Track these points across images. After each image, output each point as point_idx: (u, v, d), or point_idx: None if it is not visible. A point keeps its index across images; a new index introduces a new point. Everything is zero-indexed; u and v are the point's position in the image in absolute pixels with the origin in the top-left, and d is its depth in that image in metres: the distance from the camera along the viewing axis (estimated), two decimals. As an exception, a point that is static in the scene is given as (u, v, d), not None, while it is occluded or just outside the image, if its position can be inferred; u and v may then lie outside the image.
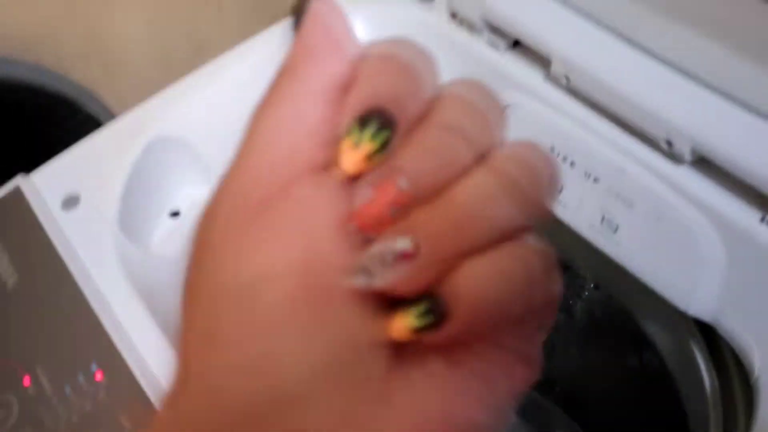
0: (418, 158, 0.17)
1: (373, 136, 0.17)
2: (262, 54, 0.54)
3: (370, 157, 0.17)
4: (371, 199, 0.17)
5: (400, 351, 0.18)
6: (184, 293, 0.18)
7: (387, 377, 0.18)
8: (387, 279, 0.16)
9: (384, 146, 0.17)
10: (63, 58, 0.65)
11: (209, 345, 0.17)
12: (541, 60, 0.46)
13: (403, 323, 0.17)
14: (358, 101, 0.18)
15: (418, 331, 0.17)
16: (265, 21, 0.57)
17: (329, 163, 0.18)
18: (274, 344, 0.16)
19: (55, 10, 0.62)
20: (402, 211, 0.17)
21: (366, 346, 0.17)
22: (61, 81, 0.63)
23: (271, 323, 0.16)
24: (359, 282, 0.17)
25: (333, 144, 0.18)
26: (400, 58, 0.19)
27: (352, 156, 0.17)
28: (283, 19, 0.56)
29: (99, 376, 0.37)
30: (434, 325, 0.17)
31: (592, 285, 0.62)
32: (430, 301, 0.17)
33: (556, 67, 0.43)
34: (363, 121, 0.17)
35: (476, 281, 0.17)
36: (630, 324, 0.59)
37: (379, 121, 0.17)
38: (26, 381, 0.37)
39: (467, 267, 0.17)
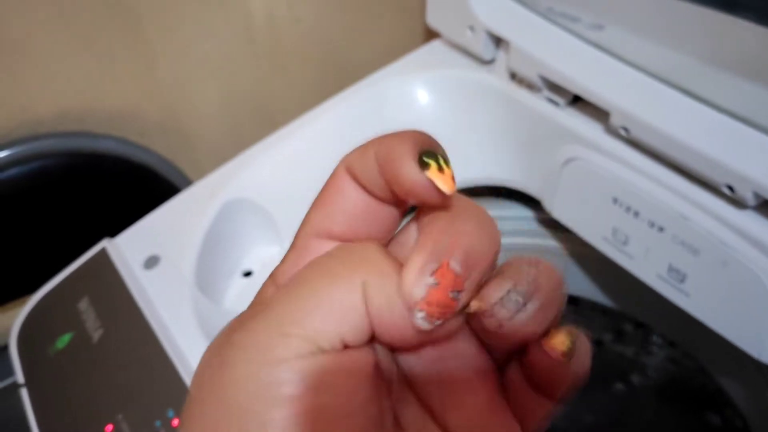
0: (458, 245, 0.18)
1: (444, 161, 0.18)
2: (324, 122, 0.57)
3: (454, 179, 0.19)
4: (434, 285, 0.18)
5: None
6: None
7: None
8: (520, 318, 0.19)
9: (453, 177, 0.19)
10: (145, 131, 0.69)
11: None
12: (599, 113, 0.46)
13: (561, 339, 0.19)
14: (408, 149, 0.18)
15: (569, 351, 0.19)
16: (329, 91, 0.60)
17: None
18: None
19: (138, 89, 0.67)
20: (460, 294, 0.18)
21: None
22: (144, 152, 0.67)
23: None
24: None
25: None
26: None
27: (444, 177, 0.18)
28: (344, 89, 0.59)
29: (176, 423, 0.39)
30: (572, 353, 0.19)
31: (662, 342, 0.61)
32: (570, 331, 0.19)
33: (615, 119, 0.44)
34: (426, 153, 0.18)
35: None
36: (706, 380, 0.57)
37: (436, 152, 0.19)
38: (108, 428, 0.39)
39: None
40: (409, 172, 0.18)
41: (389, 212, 0.21)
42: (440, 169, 0.18)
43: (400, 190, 0.19)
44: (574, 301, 0.64)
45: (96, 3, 0.60)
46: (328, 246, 0.21)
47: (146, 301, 0.46)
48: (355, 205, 0.20)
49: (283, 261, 0.22)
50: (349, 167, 0.20)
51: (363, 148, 0.20)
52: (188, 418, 0.19)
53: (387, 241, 0.22)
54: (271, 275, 0.22)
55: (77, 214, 0.66)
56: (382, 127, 0.58)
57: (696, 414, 0.59)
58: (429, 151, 0.18)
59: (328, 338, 0.18)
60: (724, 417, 0.56)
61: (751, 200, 0.38)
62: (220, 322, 0.45)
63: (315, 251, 0.21)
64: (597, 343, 0.65)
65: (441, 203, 0.19)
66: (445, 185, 0.18)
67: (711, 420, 0.57)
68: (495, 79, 0.54)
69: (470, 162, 0.55)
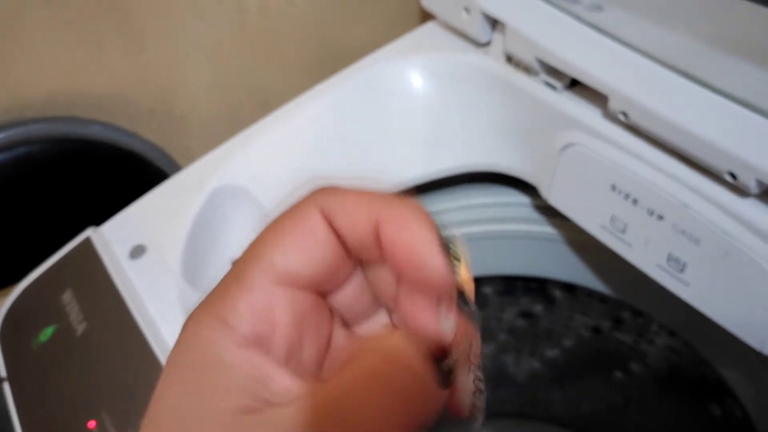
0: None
1: (459, 252, 0.19)
2: (316, 107, 0.55)
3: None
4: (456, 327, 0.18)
5: None
6: None
7: None
8: None
9: None
10: (134, 116, 0.68)
11: None
12: (598, 97, 0.45)
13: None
14: (432, 237, 0.18)
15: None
16: (323, 74, 0.59)
17: None
18: None
19: (127, 73, 0.66)
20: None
21: None
22: (133, 138, 0.66)
23: None
24: None
25: None
26: None
27: (468, 276, 0.19)
28: (338, 73, 0.58)
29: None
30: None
31: (662, 331, 0.60)
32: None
33: (614, 103, 0.43)
34: (446, 242, 0.19)
35: None
36: (706, 370, 0.56)
37: (453, 242, 0.19)
38: (91, 425, 0.38)
39: None
40: (436, 264, 0.17)
41: (350, 264, 0.20)
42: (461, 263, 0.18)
43: (411, 273, 0.18)
44: (571, 288, 0.63)
45: (82, -15, 0.59)
46: (297, 295, 0.19)
47: (131, 292, 0.45)
48: (325, 255, 0.19)
49: (230, 298, 0.19)
50: (326, 211, 0.19)
51: (346, 196, 0.18)
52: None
53: (336, 290, 0.21)
54: (218, 316, 0.19)
55: (64, 201, 0.65)
56: (375, 112, 0.57)
57: (696, 403, 0.58)
58: (448, 241, 0.18)
59: None
60: (724, 407, 0.55)
61: (754, 188, 0.37)
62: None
63: (282, 303, 0.19)
64: (595, 331, 0.64)
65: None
66: (467, 285, 0.18)
67: (711, 410, 0.56)
68: (491, 62, 0.52)
69: (464, 147, 0.54)
